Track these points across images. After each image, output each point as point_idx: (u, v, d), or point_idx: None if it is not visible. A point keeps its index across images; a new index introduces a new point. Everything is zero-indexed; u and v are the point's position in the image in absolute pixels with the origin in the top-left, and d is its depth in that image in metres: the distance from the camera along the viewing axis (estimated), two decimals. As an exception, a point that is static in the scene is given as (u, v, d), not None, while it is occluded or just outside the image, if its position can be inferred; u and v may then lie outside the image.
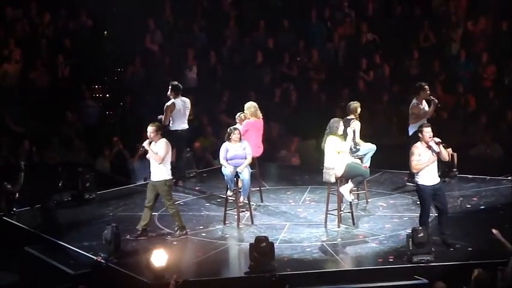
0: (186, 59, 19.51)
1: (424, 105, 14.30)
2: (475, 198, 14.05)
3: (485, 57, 19.18)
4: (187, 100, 15.10)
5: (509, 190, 14.44)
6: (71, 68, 18.70)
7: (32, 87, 18.31)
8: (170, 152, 12.57)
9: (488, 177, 15.00)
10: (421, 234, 11.21)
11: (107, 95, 19.60)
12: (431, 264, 11.17)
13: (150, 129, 12.44)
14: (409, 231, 11.50)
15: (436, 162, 11.61)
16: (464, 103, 18.68)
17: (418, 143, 11.61)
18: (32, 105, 17.95)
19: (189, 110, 15.11)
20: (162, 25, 20.04)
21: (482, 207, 13.67)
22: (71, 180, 14.84)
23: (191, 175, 16.02)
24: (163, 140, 12.43)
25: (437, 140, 11.58)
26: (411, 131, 14.21)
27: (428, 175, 11.55)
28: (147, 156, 12.55)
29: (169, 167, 12.52)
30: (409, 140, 13.73)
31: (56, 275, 11.88)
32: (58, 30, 19.35)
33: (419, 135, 11.64)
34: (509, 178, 15.36)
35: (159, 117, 14.85)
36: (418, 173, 11.59)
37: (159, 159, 12.32)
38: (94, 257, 11.87)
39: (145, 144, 12.45)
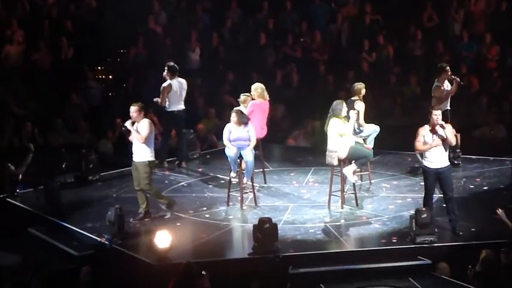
0: (189, 40, 19.46)
1: (446, 86, 14.19)
2: (478, 179, 14.05)
3: (489, 38, 19.12)
4: (183, 81, 15.06)
5: (512, 171, 14.46)
6: (74, 49, 18.66)
7: (35, 69, 18.28)
8: (153, 133, 12.49)
9: (492, 158, 14.98)
10: (424, 215, 11.22)
11: (110, 77, 19.58)
12: (435, 245, 11.19)
13: (133, 109, 12.34)
14: (413, 212, 11.53)
15: (442, 146, 11.52)
16: (467, 84, 18.63)
17: (426, 125, 11.54)
18: (35, 86, 17.92)
19: (185, 91, 15.08)
20: (165, 6, 19.98)
21: (485, 187, 13.67)
22: (74, 162, 14.85)
23: (194, 156, 16.02)
24: (147, 120, 12.36)
25: (441, 122, 11.50)
26: None
27: (433, 158, 11.50)
28: (130, 137, 12.46)
29: (153, 148, 12.43)
30: None
31: (59, 257, 11.91)
32: (61, 11, 19.30)
33: (428, 117, 11.56)
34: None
35: (155, 99, 14.84)
36: (424, 154, 11.54)
37: (141, 138, 12.22)
38: (98, 239, 11.90)
39: (127, 123, 12.36)
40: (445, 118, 13.51)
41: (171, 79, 14.82)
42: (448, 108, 14.07)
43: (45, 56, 18.38)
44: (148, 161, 12.37)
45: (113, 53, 19.81)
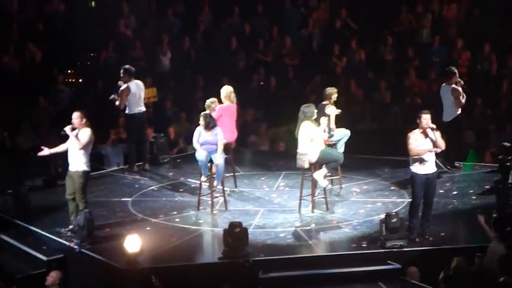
0: (160, 43, 19.41)
1: None
2: (447, 184, 14.11)
3: (461, 43, 19.27)
4: (140, 83, 15.04)
5: (481, 176, 14.55)
6: (44, 53, 18.53)
7: (4, 72, 18.11)
8: (92, 144, 12.21)
9: (461, 163, 15.05)
10: (394, 220, 11.26)
11: (80, 80, 19.48)
12: (404, 249, 11.22)
13: (76, 115, 12.04)
14: (383, 216, 11.55)
15: (433, 151, 11.44)
16: (436, 89, 18.72)
17: (416, 130, 11.40)
18: (4, 89, 17.76)
19: (143, 92, 15.04)
20: (135, 10, 19.92)
21: (454, 192, 13.73)
22: (43, 166, 14.72)
23: (165, 161, 15.95)
24: (88, 129, 12.04)
25: (432, 125, 11.37)
26: (451, 116, 14.28)
27: (422, 163, 11.42)
28: (64, 146, 12.15)
29: (89, 158, 12.12)
30: (448, 126, 14.04)
31: (28, 261, 11.80)
32: (31, 14, 19.16)
33: (417, 121, 11.44)
34: (481, 164, 15.48)
35: (112, 96, 14.73)
36: (413, 160, 11.44)
37: (79, 144, 11.91)
38: (67, 243, 11.81)
39: (67, 128, 12.11)
40: (457, 122, 14.13)
41: (128, 82, 14.74)
42: (459, 112, 14.37)
43: (14, 59, 18.22)
44: (83, 171, 12.05)
45: (83, 57, 19.72)
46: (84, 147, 12.01)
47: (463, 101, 14.36)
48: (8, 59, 18.16)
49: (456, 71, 14.55)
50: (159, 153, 15.85)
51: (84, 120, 12.08)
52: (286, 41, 19.91)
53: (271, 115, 18.61)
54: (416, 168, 11.47)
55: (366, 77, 19.29)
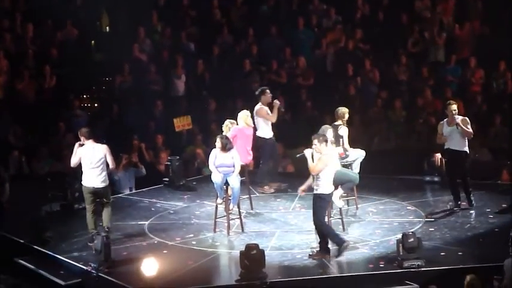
0: (174, 67, 19.49)
1: None
2: (464, 203, 14.06)
3: (474, 61, 19.24)
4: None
5: (498, 194, 14.49)
6: (59, 78, 18.65)
7: (20, 98, 18.23)
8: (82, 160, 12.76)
9: (477, 182, 14.99)
10: (412, 240, 11.23)
11: (95, 105, 19.59)
12: (422, 269, 11.18)
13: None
14: (400, 236, 11.52)
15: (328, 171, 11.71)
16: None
17: None
18: (20, 115, 17.88)
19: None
20: (150, 33, 20.04)
21: (471, 211, 13.70)
22: (60, 191, 14.80)
23: (180, 183, 15.98)
24: (75, 147, 12.84)
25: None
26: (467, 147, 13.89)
27: (330, 183, 11.80)
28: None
29: (82, 173, 12.80)
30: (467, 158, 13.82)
31: (46, 286, 11.84)
32: (45, 41, 19.31)
33: None
34: (498, 182, 15.43)
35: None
36: (320, 181, 11.75)
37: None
38: (84, 267, 11.84)
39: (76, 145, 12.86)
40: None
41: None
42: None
43: (30, 85, 18.34)
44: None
45: (98, 81, 19.85)
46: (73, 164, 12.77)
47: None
48: (24, 85, 18.29)
49: (454, 106, 13.83)
50: (174, 176, 15.89)
51: (82, 138, 12.81)
52: (300, 61, 19.92)
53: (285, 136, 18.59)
54: (326, 189, 11.79)
55: (380, 97, 19.28)
